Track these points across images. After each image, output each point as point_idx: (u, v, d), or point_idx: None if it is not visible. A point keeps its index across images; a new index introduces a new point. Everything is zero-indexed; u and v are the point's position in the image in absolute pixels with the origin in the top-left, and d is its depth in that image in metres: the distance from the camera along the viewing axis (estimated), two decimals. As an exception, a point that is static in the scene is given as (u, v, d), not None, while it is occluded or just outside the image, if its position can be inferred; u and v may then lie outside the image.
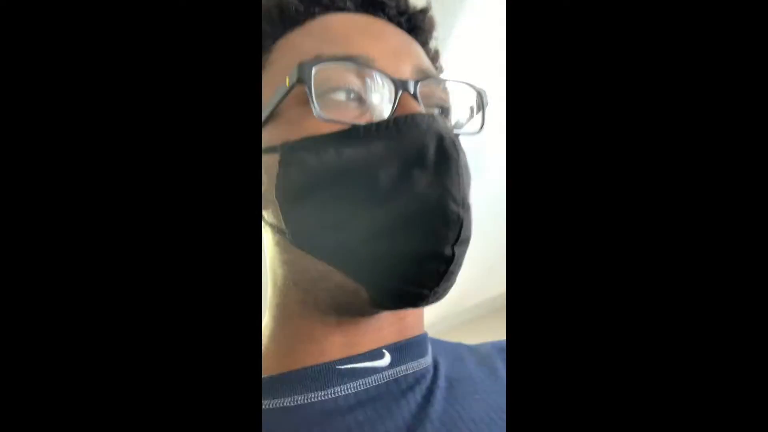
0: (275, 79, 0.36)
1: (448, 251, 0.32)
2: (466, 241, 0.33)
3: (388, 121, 0.33)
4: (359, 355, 0.36)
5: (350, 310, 0.36)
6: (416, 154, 0.32)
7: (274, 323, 0.39)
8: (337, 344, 0.36)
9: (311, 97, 0.33)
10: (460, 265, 0.34)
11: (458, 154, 0.32)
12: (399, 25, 0.41)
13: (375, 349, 0.37)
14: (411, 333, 0.40)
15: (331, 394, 0.34)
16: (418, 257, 0.32)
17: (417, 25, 0.42)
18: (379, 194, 0.32)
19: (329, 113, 0.33)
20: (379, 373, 0.36)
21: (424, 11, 0.42)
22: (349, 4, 0.39)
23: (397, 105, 0.34)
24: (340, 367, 0.36)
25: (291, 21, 0.39)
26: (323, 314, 0.36)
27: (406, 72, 0.35)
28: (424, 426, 0.33)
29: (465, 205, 0.33)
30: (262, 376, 0.36)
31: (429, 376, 0.38)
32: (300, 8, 0.39)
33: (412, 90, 0.34)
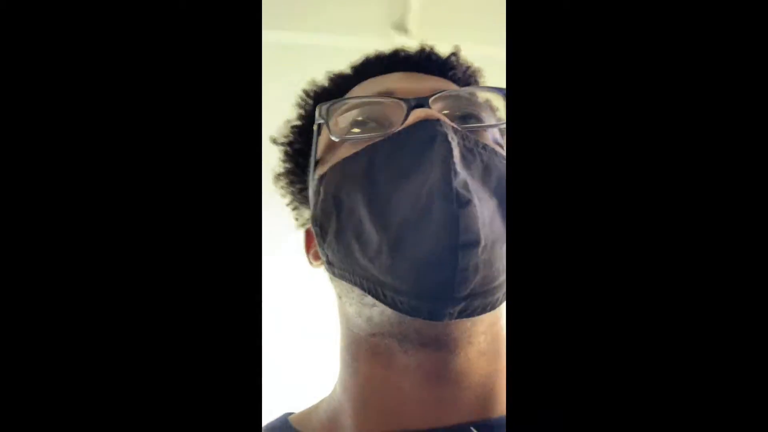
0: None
1: (450, 256, 0.29)
2: (473, 245, 0.30)
3: (394, 132, 0.35)
4: (444, 428, 0.33)
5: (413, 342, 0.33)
6: (411, 157, 0.33)
7: (352, 380, 0.37)
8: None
9: (327, 126, 0.37)
10: (482, 274, 0.30)
11: (451, 150, 0.32)
12: (424, 71, 0.43)
13: (461, 425, 0.33)
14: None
15: None
16: (421, 267, 0.30)
17: (435, 66, 0.44)
18: (384, 203, 0.33)
19: (348, 136, 0.37)
20: None
21: (422, 52, 0.45)
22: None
23: (408, 118, 0.35)
24: None
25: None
26: (400, 355, 0.34)
27: (422, 93, 0.37)
28: None
29: (463, 202, 0.30)
30: None
31: None
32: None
33: (423, 104, 0.36)
